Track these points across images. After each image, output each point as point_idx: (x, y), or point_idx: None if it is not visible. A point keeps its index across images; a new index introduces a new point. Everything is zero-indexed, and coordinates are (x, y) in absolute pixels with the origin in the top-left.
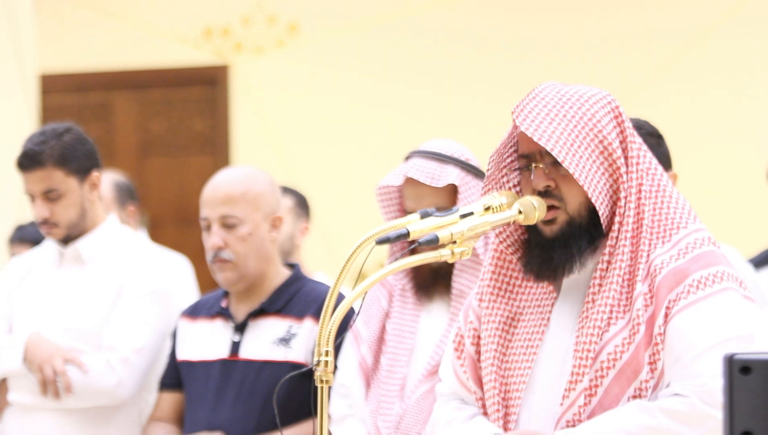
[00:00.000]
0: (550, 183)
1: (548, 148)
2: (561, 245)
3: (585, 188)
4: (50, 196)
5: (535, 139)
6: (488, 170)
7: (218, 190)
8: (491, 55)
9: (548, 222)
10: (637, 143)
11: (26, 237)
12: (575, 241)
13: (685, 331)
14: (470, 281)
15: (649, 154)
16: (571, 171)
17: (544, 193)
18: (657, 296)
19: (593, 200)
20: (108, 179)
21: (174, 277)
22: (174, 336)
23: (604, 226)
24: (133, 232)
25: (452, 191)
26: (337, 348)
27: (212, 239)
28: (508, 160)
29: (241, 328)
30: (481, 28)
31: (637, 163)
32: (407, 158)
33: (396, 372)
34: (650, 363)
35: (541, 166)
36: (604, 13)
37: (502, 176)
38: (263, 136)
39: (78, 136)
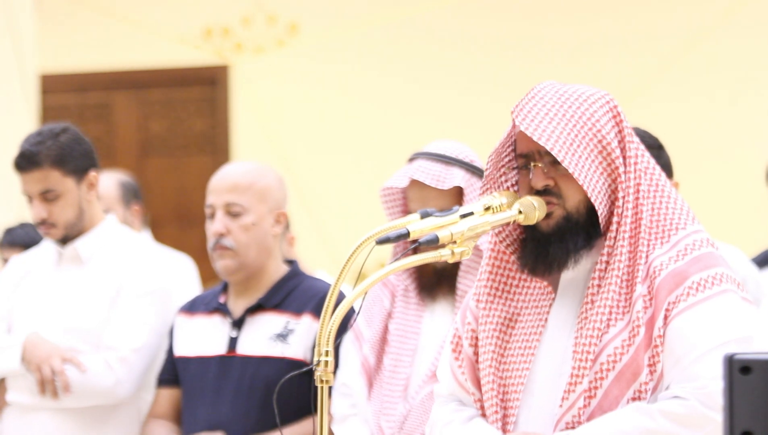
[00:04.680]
0: (549, 182)
1: (548, 148)
2: (557, 240)
3: (584, 187)
4: (48, 196)
5: (534, 138)
6: (486, 169)
7: (226, 178)
8: (491, 55)
9: (545, 216)
10: (635, 143)
11: (16, 241)
12: (571, 237)
13: (685, 334)
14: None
15: (647, 154)
16: (570, 170)
17: (542, 192)
18: (656, 298)
19: (592, 199)
20: (113, 178)
21: (178, 277)
22: (171, 332)
23: (602, 226)
24: (133, 232)
25: (457, 193)
26: (337, 348)
27: (215, 226)
28: (507, 159)
29: (238, 324)
30: (480, 28)
31: (635, 163)
32: (411, 160)
33: (399, 372)
34: (650, 365)
35: (540, 165)
36: (604, 14)
37: (501, 175)
38: (263, 136)
39: (75, 136)
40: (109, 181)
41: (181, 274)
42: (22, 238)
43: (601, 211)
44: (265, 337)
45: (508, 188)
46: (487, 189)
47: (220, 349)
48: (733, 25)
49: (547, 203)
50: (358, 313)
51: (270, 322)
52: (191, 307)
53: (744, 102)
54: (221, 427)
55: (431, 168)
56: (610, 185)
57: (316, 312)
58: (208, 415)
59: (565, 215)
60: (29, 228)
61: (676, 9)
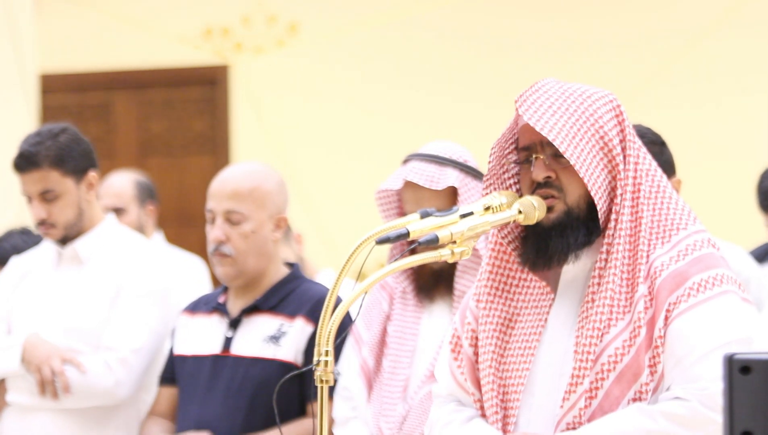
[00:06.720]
0: (550, 174)
1: (550, 138)
2: (558, 234)
3: (585, 180)
4: (47, 196)
5: (537, 128)
6: (489, 162)
7: (227, 184)
8: (491, 55)
9: (546, 211)
10: (637, 144)
11: (5, 257)
12: (572, 231)
13: (686, 335)
14: (472, 283)
15: (649, 156)
16: (572, 162)
17: (543, 184)
18: (657, 299)
19: (592, 193)
20: (129, 177)
21: (189, 279)
22: (174, 331)
23: (601, 221)
24: (134, 232)
25: (452, 194)
26: (337, 348)
27: (215, 232)
28: (509, 154)
29: (234, 324)
30: (480, 28)
31: (636, 164)
32: (405, 161)
33: (398, 374)
34: (650, 366)
35: (541, 157)
36: (604, 14)
37: (504, 172)
38: (263, 136)
39: (74, 136)
40: (125, 180)
41: (192, 277)
42: (9, 253)
43: (600, 205)
44: (259, 338)
45: (510, 186)
46: (489, 183)
47: (215, 348)
48: (733, 25)
49: (548, 197)
50: (355, 319)
51: (265, 323)
52: (194, 307)
53: (744, 101)
54: (209, 426)
55: (425, 169)
56: (610, 182)
57: (310, 315)
58: (197, 414)
59: (566, 210)
60: (16, 237)
61: (676, 9)
